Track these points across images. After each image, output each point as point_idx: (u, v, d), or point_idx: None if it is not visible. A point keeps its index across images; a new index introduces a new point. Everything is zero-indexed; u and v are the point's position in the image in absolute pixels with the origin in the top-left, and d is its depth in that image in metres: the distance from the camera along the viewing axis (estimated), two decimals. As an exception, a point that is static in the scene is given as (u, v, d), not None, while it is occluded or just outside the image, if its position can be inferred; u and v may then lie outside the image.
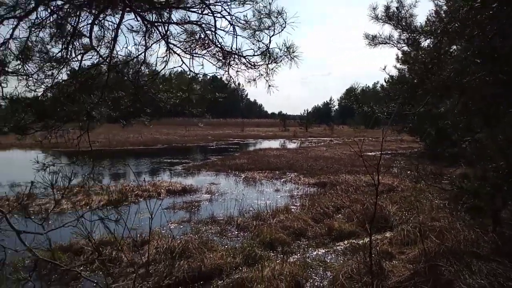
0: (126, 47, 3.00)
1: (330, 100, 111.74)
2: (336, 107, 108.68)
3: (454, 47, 6.41)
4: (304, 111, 66.10)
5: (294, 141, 38.91)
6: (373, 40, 5.59)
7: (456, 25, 4.97)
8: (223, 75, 3.11)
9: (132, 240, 6.41)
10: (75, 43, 2.85)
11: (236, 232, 7.38)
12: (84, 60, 2.92)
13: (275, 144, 34.12)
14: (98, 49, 2.89)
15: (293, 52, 2.87)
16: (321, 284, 5.05)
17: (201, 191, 11.53)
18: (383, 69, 5.96)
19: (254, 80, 3.21)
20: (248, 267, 5.50)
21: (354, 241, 6.65)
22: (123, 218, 2.14)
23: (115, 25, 2.81)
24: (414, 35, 5.62)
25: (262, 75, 3.05)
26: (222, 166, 16.76)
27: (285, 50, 2.85)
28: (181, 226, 7.72)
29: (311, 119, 62.49)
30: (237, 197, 10.64)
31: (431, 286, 4.36)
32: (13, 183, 11.70)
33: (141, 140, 30.16)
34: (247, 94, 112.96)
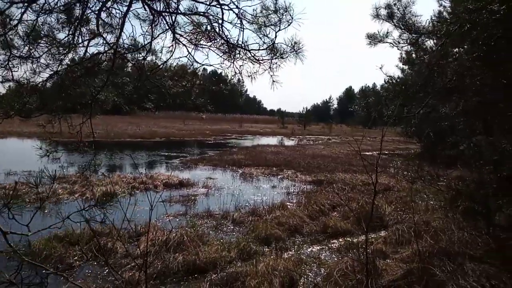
0: (133, 36, 3.00)
1: (330, 98, 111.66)
2: (335, 106, 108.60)
3: (456, 49, 6.42)
4: (303, 109, 65.89)
5: (292, 138, 38.95)
6: (373, 39, 5.61)
7: (464, 27, 4.96)
8: (228, 67, 3.12)
9: (128, 231, 6.42)
10: (82, 29, 2.86)
11: (232, 227, 7.40)
12: (91, 46, 2.93)
13: (273, 141, 34.15)
14: (105, 36, 2.91)
15: (299, 50, 2.88)
16: (315, 280, 5.09)
17: (198, 185, 11.53)
18: (380, 68, 5.95)
19: (254, 74, 3.22)
20: (243, 262, 5.53)
21: (349, 239, 6.68)
22: (123, 209, 2.12)
23: (123, 13, 2.81)
24: (415, 35, 5.63)
25: (266, 70, 3.06)
26: (220, 161, 16.78)
27: (291, 46, 2.86)
28: (177, 219, 7.73)
29: (309, 117, 62.47)
30: (234, 192, 10.66)
31: (424, 286, 4.40)
32: (9, 171, 11.66)
33: (139, 133, 30.12)
34: (246, 90, 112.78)
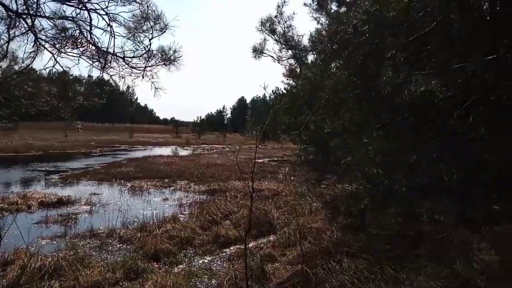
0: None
1: (223, 108, 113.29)
2: (229, 115, 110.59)
3: (335, 70, 7.03)
4: (198, 118, 65.79)
5: (187, 148, 38.53)
6: (256, 51, 5.88)
7: (334, 46, 5.42)
8: (100, 75, 2.92)
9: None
10: None
11: (119, 245, 6.93)
12: None
13: (166, 151, 33.25)
14: None
15: (175, 58, 2.84)
16: (206, 293, 5.04)
17: (80, 202, 10.58)
18: (265, 87, 6.27)
19: (132, 81, 3.09)
20: (130, 282, 5.20)
21: (240, 246, 6.78)
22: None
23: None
24: (295, 51, 6.05)
25: (147, 76, 2.96)
26: (106, 175, 15.70)
27: (165, 53, 2.81)
28: (54, 242, 6.96)
29: (204, 126, 62.50)
30: (121, 207, 10.00)
31: (307, 285, 4.68)
32: None
33: (10, 146, 26.59)
34: (136, 98, 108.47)
